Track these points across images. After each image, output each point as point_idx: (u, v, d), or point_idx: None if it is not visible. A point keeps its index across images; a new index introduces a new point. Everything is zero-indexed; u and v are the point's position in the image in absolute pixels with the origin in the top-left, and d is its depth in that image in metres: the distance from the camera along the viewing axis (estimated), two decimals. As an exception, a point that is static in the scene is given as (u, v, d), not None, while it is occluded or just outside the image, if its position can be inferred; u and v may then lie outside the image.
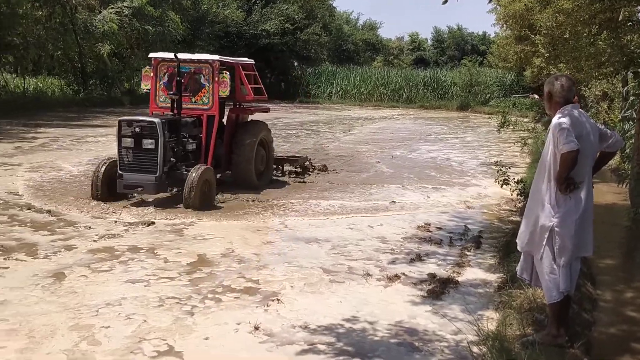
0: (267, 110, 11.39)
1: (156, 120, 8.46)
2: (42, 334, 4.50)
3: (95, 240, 6.91)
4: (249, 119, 10.58)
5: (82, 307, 5.00)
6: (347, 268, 6.32)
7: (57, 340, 4.41)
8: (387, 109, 35.49)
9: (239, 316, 4.94)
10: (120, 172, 8.51)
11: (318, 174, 11.85)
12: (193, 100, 9.45)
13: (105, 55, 26.36)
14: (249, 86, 9.78)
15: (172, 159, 8.74)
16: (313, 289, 5.66)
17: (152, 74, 9.53)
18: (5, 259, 6.14)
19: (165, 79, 9.53)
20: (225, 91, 9.24)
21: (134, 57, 29.34)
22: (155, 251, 6.61)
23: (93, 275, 5.79)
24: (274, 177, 11.04)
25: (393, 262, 6.59)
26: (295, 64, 42.55)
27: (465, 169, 13.65)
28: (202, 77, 9.41)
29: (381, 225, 8.18)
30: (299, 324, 4.83)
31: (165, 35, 27.98)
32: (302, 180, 11.17)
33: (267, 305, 5.18)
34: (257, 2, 38.45)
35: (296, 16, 38.07)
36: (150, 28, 26.93)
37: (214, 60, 9.37)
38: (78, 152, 13.77)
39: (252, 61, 10.42)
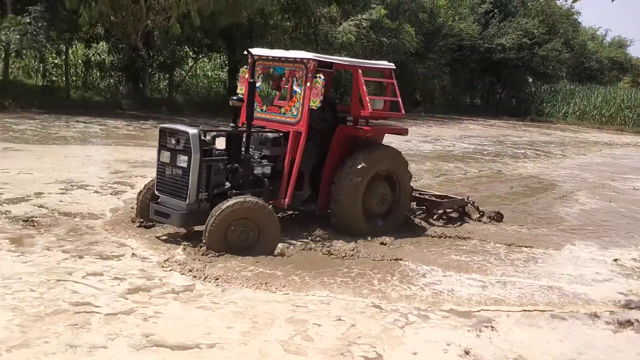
0: (402, 132, 8.54)
1: (191, 131, 6.57)
2: (264, 321, 4.80)
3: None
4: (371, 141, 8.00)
5: (298, 300, 5.32)
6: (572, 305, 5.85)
7: (275, 330, 4.67)
8: (631, 134, 32.07)
9: (449, 337, 4.83)
10: (157, 192, 6.88)
11: (486, 222, 8.90)
12: (282, 110, 7.58)
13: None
14: (367, 98, 7.51)
15: (224, 184, 6.91)
16: (531, 322, 5.32)
17: (247, 75, 7.54)
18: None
19: (259, 82, 7.99)
20: (315, 101, 7.17)
21: (367, 67, 30.33)
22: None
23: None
24: (415, 221, 8.46)
25: (627, 305, 5.89)
26: (530, 80, 40.45)
27: None
28: (296, 81, 7.43)
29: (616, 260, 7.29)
30: (512, 356, 4.59)
31: (399, 47, 28.45)
32: (449, 225, 8.55)
33: (480, 331, 4.99)
34: (495, 15, 37.31)
35: (535, 31, 36.12)
36: (385, 40, 27.58)
37: (309, 60, 7.25)
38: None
39: (391, 65, 8.13)
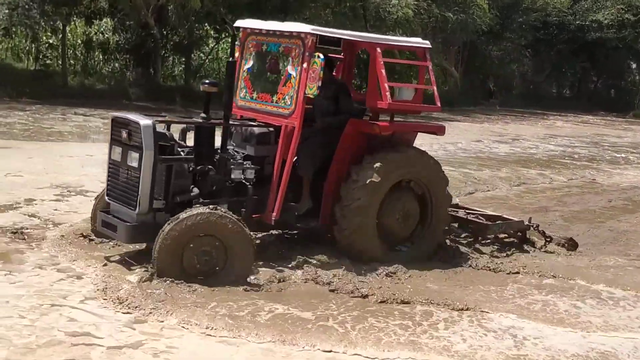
0: (436, 131, 7.96)
1: (142, 121, 6.30)
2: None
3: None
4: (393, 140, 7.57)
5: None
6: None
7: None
8: None
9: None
10: (107, 197, 6.75)
11: (551, 252, 8.46)
12: (274, 99, 7.29)
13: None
14: (387, 85, 7.12)
15: (190, 190, 6.69)
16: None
17: (237, 54, 7.60)
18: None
19: (251, 62, 7.66)
20: (312, 87, 6.76)
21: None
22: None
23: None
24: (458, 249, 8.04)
25: None
26: (634, 66, 39.67)
27: None
28: (291, 61, 7.11)
29: None
30: None
31: (468, 24, 28.26)
32: (501, 253, 8.13)
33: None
34: (590, -15, 36.78)
35: (642, 4, 35.46)
36: (451, 15, 27.43)
37: (306, 34, 6.87)
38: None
39: (425, 44, 7.68)
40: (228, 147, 7.03)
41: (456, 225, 8.45)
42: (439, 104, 7.68)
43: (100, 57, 25.57)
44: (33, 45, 23.67)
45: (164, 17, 23.82)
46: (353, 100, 7.67)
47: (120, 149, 6.54)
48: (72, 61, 24.61)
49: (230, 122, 7.11)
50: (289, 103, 7.03)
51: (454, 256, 7.72)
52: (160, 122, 6.67)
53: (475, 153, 16.88)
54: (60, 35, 23.15)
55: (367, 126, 7.34)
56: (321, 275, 6.60)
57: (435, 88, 7.57)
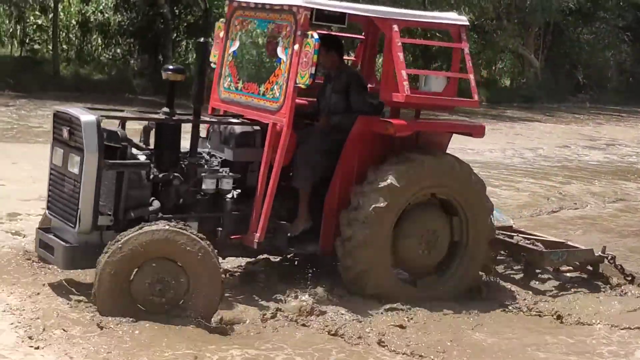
0: (472, 132, 7.79)
1: (84, 117, 6.15)
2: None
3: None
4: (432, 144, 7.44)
5: None
6: None
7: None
8: None
9: None
10: (47, 212, 6.73)
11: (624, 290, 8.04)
12: (261, 90, 7.17)
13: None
14: (405, 73, 6.94)
15: (149, 203, 6.52)
16: None
17: (222, 35, 7.58)
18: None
19: (237, 43, 7.54)
20: (304, 75, 6.59)
21: (501, 32, 30.09)
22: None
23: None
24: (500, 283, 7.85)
25: None
26: None
27: None
28: (281, 43, 7.02)
29: None
30: None
31: (551, 2, 28.12)
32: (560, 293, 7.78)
33: None
34: None
35: None
36: (530, -10, 27.38)
37: (298, 8, 6.73)
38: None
39: (461, 20, 7.54)
40: (203, 150, 6.98)
41: (506, 253, 8.18)
42: (476, 97, 7.38)
43: (99, 41, 25.88)
44: (18, 27, 24.02)
45: (176, -7, 24.22)
46: (372, 93, 7.53)
47: (62, 151, 6.39)
48: (64, 46, 24.99)
49: (203, 119, 7.00)
50: (277, 95, 6.88)
51: (488, 293, 7.45)
52: (109, 117, 6.56)
53: (560, 161, 16.76)
54: (51, 15, 23.47)
55: (380, 125, 7.06)
56: (317, 313, 6.40)
57: (472, 77, 7.34)
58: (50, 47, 23.73)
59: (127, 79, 23.32)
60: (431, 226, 7.11)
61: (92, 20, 25.73)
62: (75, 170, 6.12)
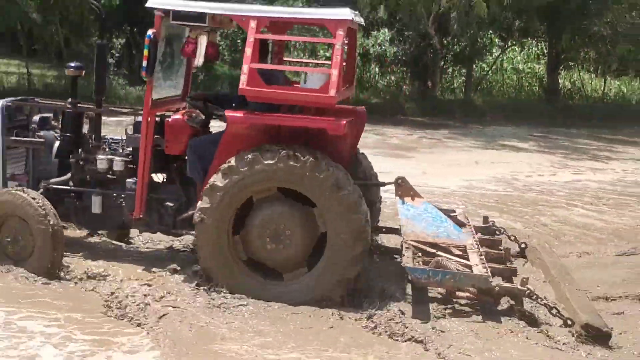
0: (326, 128, 7.12)
1: None
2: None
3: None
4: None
5: None
6: None
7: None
8: None
9: None
10: None
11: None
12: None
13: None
14: (245, 67, 7.07)
15: (59, 177, 8.05)
16: None
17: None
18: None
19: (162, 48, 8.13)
20: (142, 69, 7.46)
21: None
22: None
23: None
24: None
25: None
26: None
27: None
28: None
29: None
30: None
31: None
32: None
33: None
34: None
35: None
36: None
37: (153, 10, 7.42)
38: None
39: (342, 14, 7.11)
40: (117, 137, 8.12)
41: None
42: (332, 92, 6.91)
43: (376, 70, 28.21)
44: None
45: (445, 26, 26.16)
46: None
47: None
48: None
49: (103, 109, 8.13)
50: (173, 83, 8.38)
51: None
52: (15, 102, 8.31)
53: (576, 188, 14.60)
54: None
55: (230, 117, 7.24)
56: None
57: (335, 72, 6.94)
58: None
59: (399, 102, 25.51)
60: (278, 220, 7.12)
61: (371, 52, 27.77)
62: None
